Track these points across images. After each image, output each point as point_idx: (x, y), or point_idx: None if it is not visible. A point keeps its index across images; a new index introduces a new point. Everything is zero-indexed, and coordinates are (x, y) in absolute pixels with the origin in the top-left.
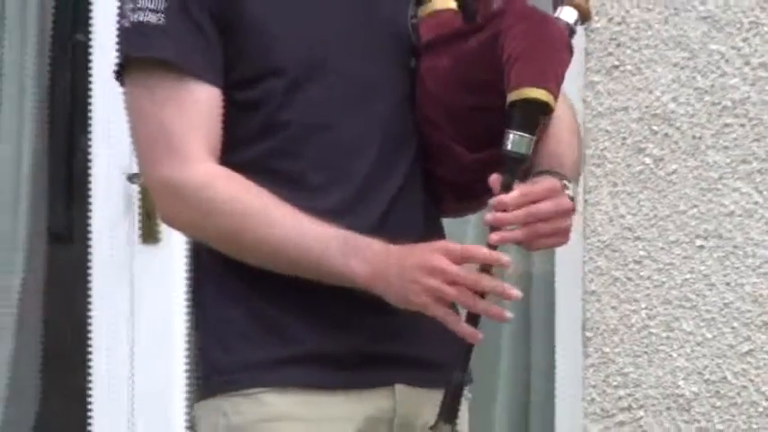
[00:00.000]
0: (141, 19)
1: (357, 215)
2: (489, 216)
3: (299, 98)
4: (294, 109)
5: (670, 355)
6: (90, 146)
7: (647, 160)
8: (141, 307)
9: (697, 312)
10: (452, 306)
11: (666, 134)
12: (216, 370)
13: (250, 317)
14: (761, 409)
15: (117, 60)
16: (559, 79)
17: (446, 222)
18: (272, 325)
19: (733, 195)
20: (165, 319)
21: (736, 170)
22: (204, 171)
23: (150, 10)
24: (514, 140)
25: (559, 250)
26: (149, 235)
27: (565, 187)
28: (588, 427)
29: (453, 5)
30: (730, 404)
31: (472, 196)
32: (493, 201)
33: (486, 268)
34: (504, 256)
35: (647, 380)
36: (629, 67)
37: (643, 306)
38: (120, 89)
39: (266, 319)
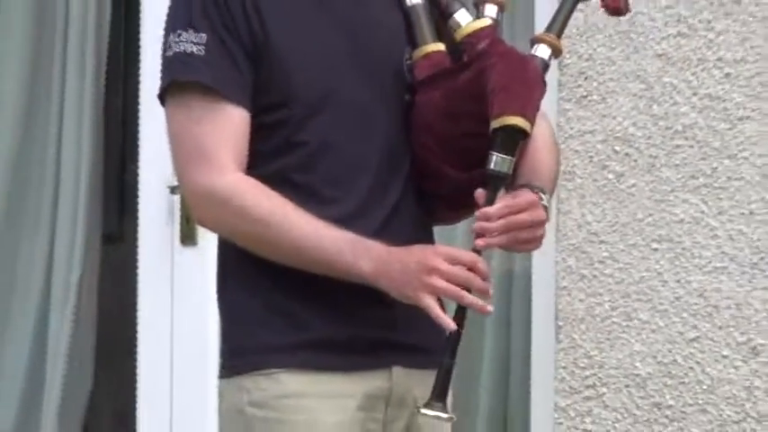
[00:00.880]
0: (184, 49)
1: (362, 222)
2: (476, 225)
3: (314, 122)
4: (309, 131)
5: (629, 341)
6: (138, 161)
7: (610, 176)
8: (181, 300)
9: (652, 305)
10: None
11: (627, 153)
12: (238, 352)
13: (268, 307)
14: (705, 387)
15: (161, 84)
16: (535, 108)
17: (436, 229)
18: (287, 314)
19: (683, 206)
20: (201, 310)
21: (686, 185)
22: (234, 180)
23: (192, 42)
24: (497, 161)
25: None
26: (188, 238)
27: (540, 199)
28: (559, 402)
29: (443, 48)
30: (679, 383)
31: (461, 207)
32: (478, 212)
33: (472, 268)
34: (482, 263)
35: (609, 362)
36: (595, 97)
37: (606, 299)
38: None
39: (282, 309)
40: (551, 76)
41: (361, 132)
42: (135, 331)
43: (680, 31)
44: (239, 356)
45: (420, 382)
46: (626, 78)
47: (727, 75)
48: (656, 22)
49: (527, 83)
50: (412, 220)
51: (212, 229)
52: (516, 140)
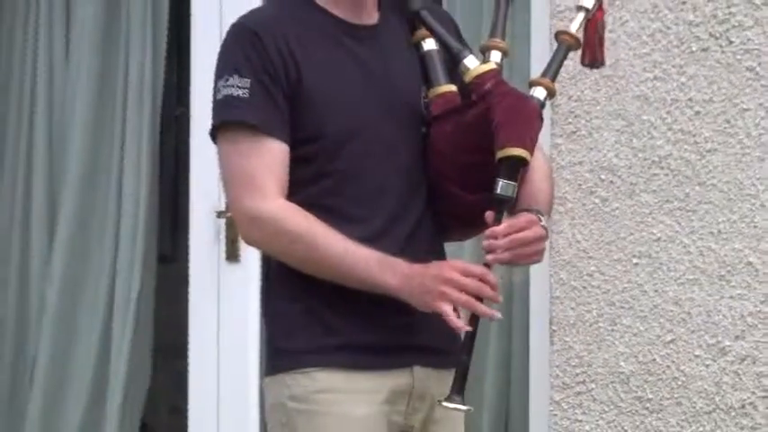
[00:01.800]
0: (231, 93)
1: (388, 239)
2: (485, 242)
3: (343, 153)
4: (339, 161)
5: (614, 343)
6: (189, 190)
7: (597, 200)
8: (226, 310)
9: (633, 312)
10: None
11: (611, 181)
12: (280, 353)
13: (306, 314)
14: (680, 383)
15: (212, 123)
16: (534, 141)
17: (447, 246)
18: (323, 320)
19: (659, 226)
20: (244, 319)
21: (662, 207)
22: (277, 205)
23: (238, 86)
24: (503, 186)
25: (532, 266)
26: (232, 256)
27: (539, 220)
28: (554, 396)
29: (454, 88)
30: (658, 379)
31: (469, 226)
32: (487, 231)
33: (482, 279)
34: (491, 275)
35: (597, 361)
36: (583, 133)
37: (594, 307)
38: (213, 147)
39: (318, 316)
40: (545, 115)
41: (384, 161)
42: (186, 337)
43: (656, 75)
44: (281, 357)
45: (437, 380)
46: (610, 116)
47: (697, 113)
48: (635, 68)
49: (527, 119)
50: (430, 236)
51: (258, 248)
52: (518, 168)
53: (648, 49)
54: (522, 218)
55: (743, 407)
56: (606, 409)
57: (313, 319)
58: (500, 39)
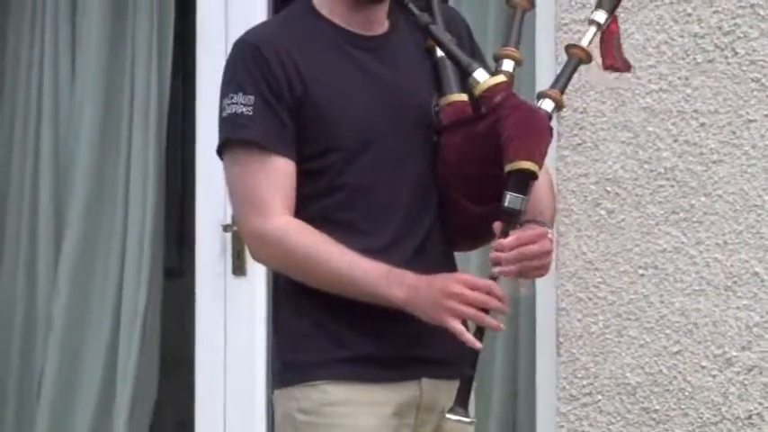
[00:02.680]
0: (236, 111)
1: (396, 253)
2: (492, 255)
3: (352, 167)
4: (349, 175)
5: (620, 355)
6: (195, 205)
7: (603, 212)
8: (232, 322)
9: (640, 323)
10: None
11: (617, 193)
12: (289, 366)
13: (315, 327)
14: (686, 393)
15: (219, 141)
16: (543, 154)
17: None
18: (331, 334)
19: (665, 237)
20: (250, 332)
21: (668, 219)
22: (283, 222)
23: (242, 104)
24: (511, 199)
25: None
26: (238, 269)
27: (547, 233)
28: (560, 407)
29: (465, 98)
30: (664, 390)
31: (475, 237)
32: (495, 244)
33: (488, 292)
34: (497, 287)
35: (604, 373)
36: (589, 144)
37: (600, 318)
38: (219, 162)
39: (326, 330)
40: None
41: (393, 173)
42: (193, 350)
43: (661, 87)
44: (290, 370)
45: (446, 391)
46: (615, 128)
47: (703, 124)
48: (640, 80)
49: (537, 133)
50: (439, 247)
51: (265, 264)
52: (527, 182)
53: (654, 60)
54: (531, 231)
55: (749, 417)
56: (613, 421)
57: (321, 333)
58: (514, 47)
